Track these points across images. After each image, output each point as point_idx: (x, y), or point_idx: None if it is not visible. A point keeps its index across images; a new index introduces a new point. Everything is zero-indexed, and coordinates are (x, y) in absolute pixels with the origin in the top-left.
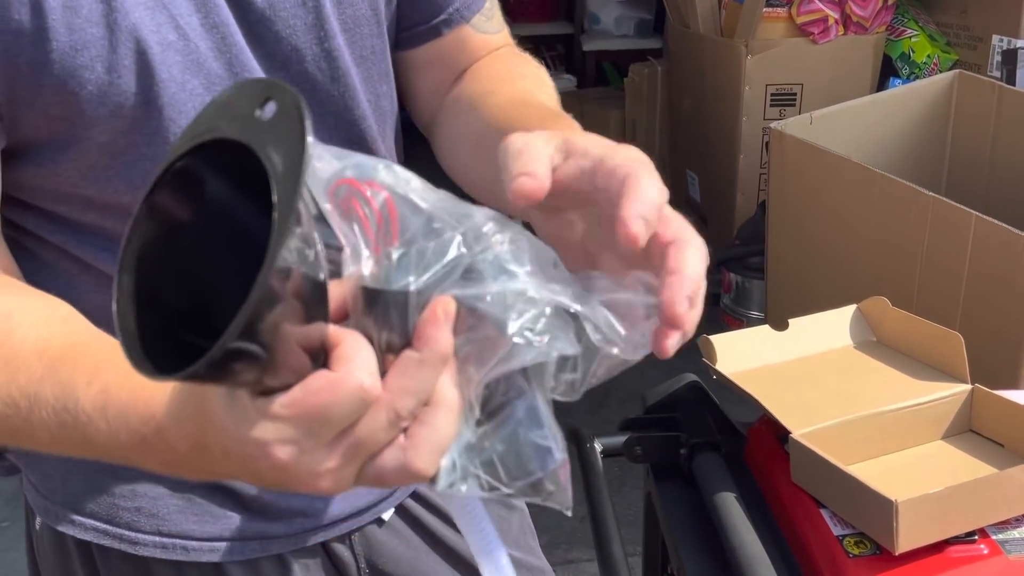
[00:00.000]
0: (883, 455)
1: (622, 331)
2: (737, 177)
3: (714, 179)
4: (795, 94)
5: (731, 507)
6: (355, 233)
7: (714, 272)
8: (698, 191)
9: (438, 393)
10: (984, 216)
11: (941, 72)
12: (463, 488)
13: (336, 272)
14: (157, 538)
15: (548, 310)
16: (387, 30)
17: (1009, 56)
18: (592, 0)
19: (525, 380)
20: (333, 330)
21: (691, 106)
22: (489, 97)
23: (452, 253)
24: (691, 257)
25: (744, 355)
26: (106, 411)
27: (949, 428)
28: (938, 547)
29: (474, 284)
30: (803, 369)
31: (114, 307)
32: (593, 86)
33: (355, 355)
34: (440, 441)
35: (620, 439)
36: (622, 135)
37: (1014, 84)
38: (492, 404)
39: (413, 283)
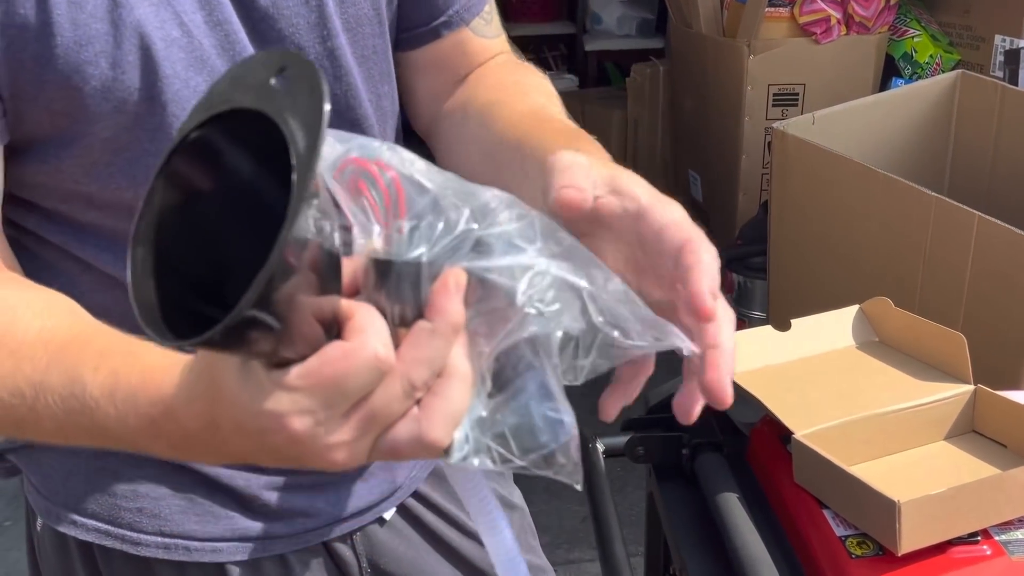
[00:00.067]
0: (886, 456)
1: (626, 314)
2: (739, 177)
3: (716, 179)
4: (797, 94)
5: (733, 507)
6: (363, 211)
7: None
8: (700, 191)
9: (451, 364)
10: (987, 216)
11: (943, 72)
12: (475, 461)
13: (346, 251)
14: (159, 538)
15: (556, 283)
16: (388, 31)
17: (1012, 56)
18: (594, 0)
19: (535, 355)
20: (346, 303)
21: (693, 106)
22: (500, 108)
23: (461, 226)
24: (728, 332)
25: (746, 355)
26: (114, 395)
27: (952, 429)
28: (941, 548)
29: (484, 257)
30: (805, 369)
31: (128, 278)
32: (595, 86)
33: (369, 326)
34: (454, 412)
35: (622, 439)
36: (624, 135)
37: (1017, 84)
38: (503, 378)
39: (425, 254)
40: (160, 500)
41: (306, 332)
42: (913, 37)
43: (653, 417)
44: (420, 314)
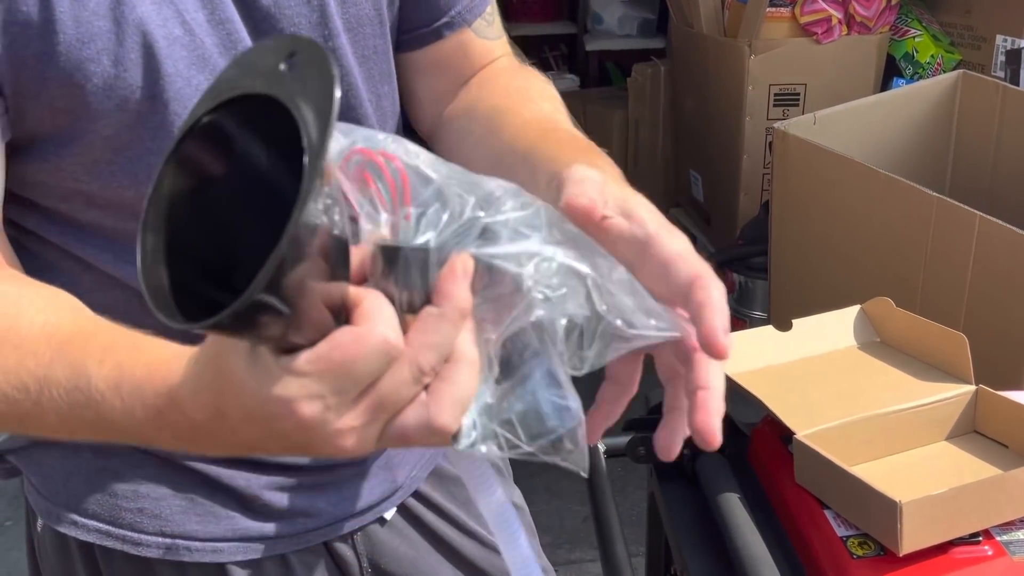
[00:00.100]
0: (887, 456)
1: (630, 303)
2: (740, 177)
3: (717, 179)
4: (798, 94)
5: (735, 508)
6: (369, 201)
7: (717, 272)
8: (701, 191)
9: (458, 350)
10: (988, 216)
11: (945, 72)
12: (483, 448)
13: (352, 240)
14: (160, 539)
15: (562, 270)
16: (389, 31)
17: (1013, 56)
18: (595, 0)
19: (541, 342)
20: (354, 290)
21: (694, 106)
22: (507, 115)
23: (468, 214)
24: (719, 373)
25: (748, 356)
26: (120, 387)
27: (953, 429)
28: (942, 548)
29: (490, 244)
30: (807, 370)
31: (138, 263)
32: (596, 86)
33: (377, 312)
34: (462, 396)
35: (623, 439)
36: (625, 135)
37: (1018, 84)
38: (510, 365)
39: (433, 239)
40: (161, 500)
41: (315, 318)
42: (914, 37)
43: (654, 417)
44: (427, 300)
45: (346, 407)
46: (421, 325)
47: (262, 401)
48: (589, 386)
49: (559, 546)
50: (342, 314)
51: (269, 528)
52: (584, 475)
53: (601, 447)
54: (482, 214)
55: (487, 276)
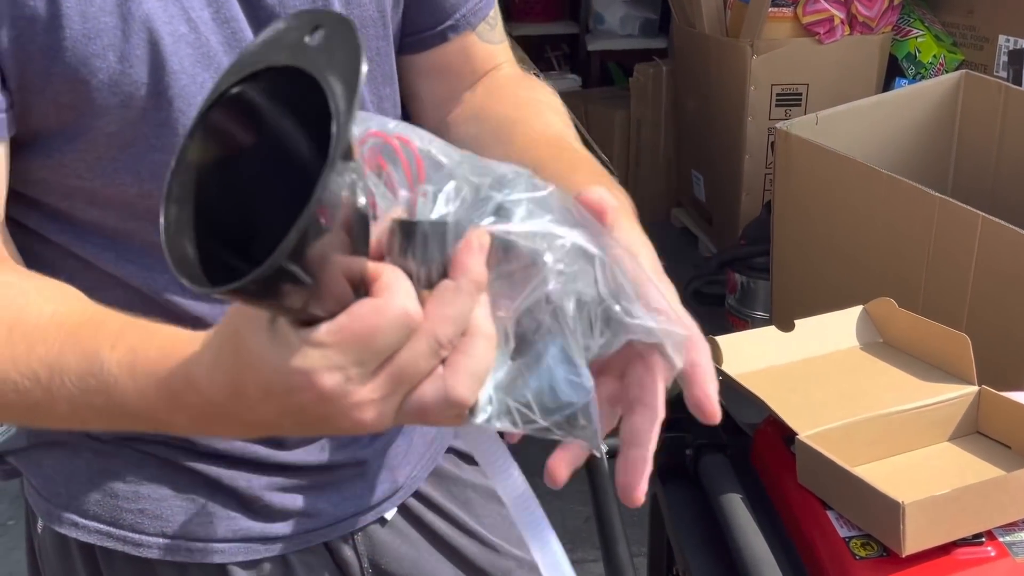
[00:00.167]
0: (890, 456)
1: (629, 291)
2: (742, 177)
3: (719, 179)
4: (800, 94)
5: (737, 508)
6: (384, 182)
7: (719, 273)
8: (703, 191)
9: (474, 324)
10: (990, 217)
11: (947, 72)
12: (499, 424)
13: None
14: (161, 539)
15: (574, 250)
16: (392, 34)
17: (1015, 56)
18: (597, 0)
19: (553, 321)
20: (373, 265)
21: (696, 106)
22: (519, 127)
23: (483, 193)
24: (706, 353)
25: (750, 356)
26: (134, 369)
27: (956, 430)
28: (945, 549)
29: (505, 222)
30: (809, 370)
31: (161, 234)
32: (598, 86)
33: (397, 284)
34: (479, 369)
35: None
36: (627, 135)
37: (1020, 84)
38: (524, 343)
39: (451, 215)
40: (162, 501)
41: (336, 290)
42: (917, 37)
43: None
44: (444, 276)
45: (366, 379)
46: (438, 298)
47: (282, 373)
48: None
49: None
50: (361, 289)
51: (270, 529)
52: (597, 453)
53: (603, 447)
54: (496, 194)
55: (501, 253)
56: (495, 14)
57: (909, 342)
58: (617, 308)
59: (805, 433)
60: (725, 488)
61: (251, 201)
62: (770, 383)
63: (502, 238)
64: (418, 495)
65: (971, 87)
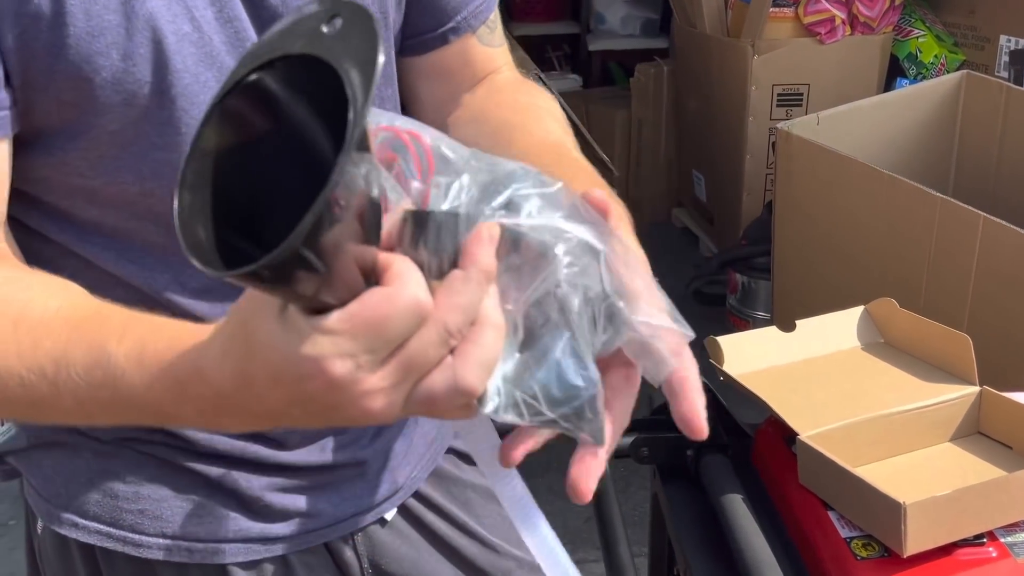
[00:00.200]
0: (891, 457)
1: (631, 288)
2: (743, 177)
3: (720, 179)
4: (802, 94)
5: (738, 509)
6: (395, 175)
7: (720, 273)
8: (704, 191)
9: (483, 314)
10: (992, 217)
11: (948, 72)
12: (507, 416)
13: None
14: (161, 540)
15: (581, 245)
16: (393, 35)
17: (1017, 56)
18: (598, 0)
19: (561, 314)
20: (384, 255)
21: (697, 106)
22: (519, 132)
23: (493, 186)
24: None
25: (751, 356)
26: (142, 360)
27: (957, 430)
28: (946, 550)
29: (514, 215)
30: (810, 370)
31: (175, 220)
32: (599, 86)
33: (408, 274)
34: (488, 359)
35: (627, 440)
36: (628, 135)
37: (1022, 85)
38: (531, 336)
39: (462, 207)
40: (162, 502)
41: (348, 278)
42: (918, 37)
43: (657, 418)
44: (454, 268)
45: (376, 367)
46: (448, 287)
47: (292, 361)
48: None
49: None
50: (372, 278)
51: (270, 529)
52: (602, 446)
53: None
54: (506, 188)
55: (510, 246)
56: (495, 17)
57: (910, 342)
58: (621, 304)
59: (806, 433)
60: (726, 488)
61: (265, 189)
62: (771, 383)
63: (512, 230)
64: (418, 495)
65: (972, 87)
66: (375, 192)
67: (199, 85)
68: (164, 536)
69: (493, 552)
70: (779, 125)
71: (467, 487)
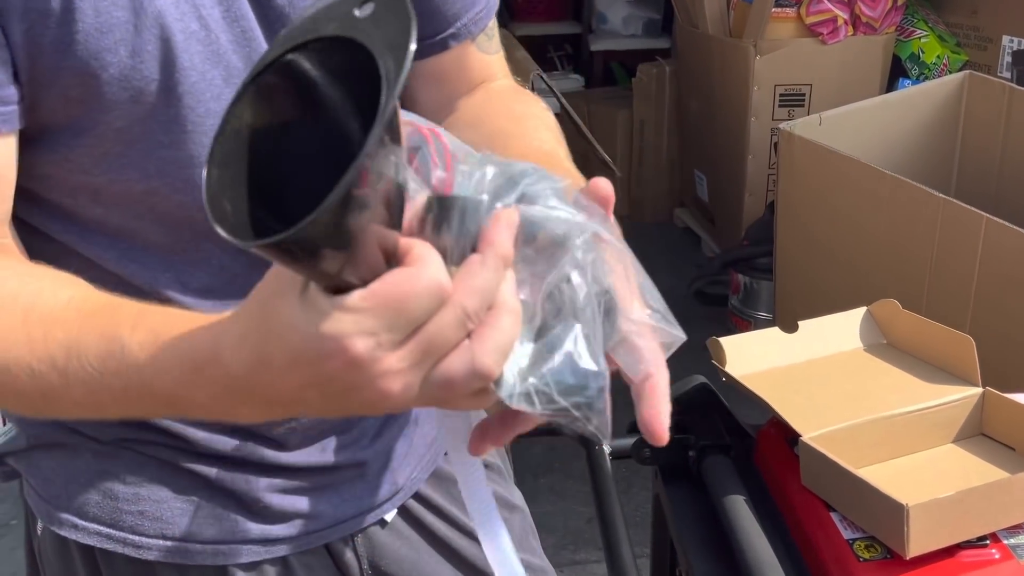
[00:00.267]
0: (893, 458)
1: (639, 281)
2: (745, 177)
3: (722, 179)
4: (804, 95)
5: (740, 510)
6: (415, 169)
7: (722, 273)
8: (706, 191)
9: (500, 298)
10: (994, 218)
11: (951, 73)
12: (522, 403)
13: None
14: (161, 541)
15: (593, 235)
16: None
17: (1019, 57)
18: (600, 0)
19: (573, 306)
20: (404, 240)
21: (699, 106)
22: (514, 140)
23: (508, 182)
24: (663, 374)
25: (753, 357)
26: (157, 344)
27: (960, 431)
28: (949, 551)
29: (530, 207)
30: (813, 371)
31: (203, 195)
32: (601, 86)
33: (429, 257)
34: (505, 342)
35: (629, 441)
36: (630, 135)
37: None
38: (544, 326)
39: (487, 193)
40: (162, 503)
41: (371, 259)
42: (920, 38)
43: None
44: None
45: (396, 346)
46: (465, 270)
47: (313, 339)
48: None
49: (563, 547)
50: (392, 263)
51: (270, 530)
52: (606, 441)
53: (606, 449)
54: (520, 183)
55: (526, 236)
56: (493, 25)
57: (913, 343)
58: (617, 299)
59: (809, 435)
60: (728, 489)
61: (292, 168)
62: (773, 384)
63: (529, 220)
64: (418, 497)
65: (975, 88)
66: (401, 179)
67: (205, 83)
68: (164, 537)
69: None
70: (781, 125)
71: None
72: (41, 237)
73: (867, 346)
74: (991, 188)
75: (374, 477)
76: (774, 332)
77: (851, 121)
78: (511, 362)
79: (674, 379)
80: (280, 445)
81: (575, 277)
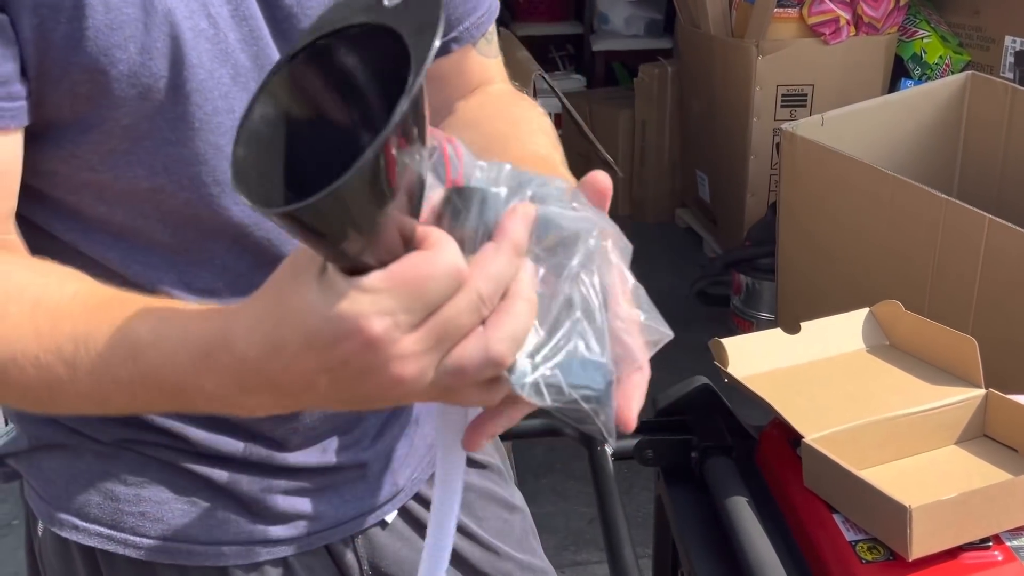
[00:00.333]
0: (896, 460)
1: (631, 281)
2: (747, 178)
3: (724, 180)
4: (806, 95)
5: (742, 511)
6: (432, 167)
7: (724, 274)
8: (708, 192)
9: (515, 286)
10: (997, 219)
11: (953, 73)
12: (530, 394)
13: None
14: (162, 543)
15: (602, 234)
16: None
17: (1022, 57)
18: (602, 0)
19: (583, 301)
20: (421, 228)
21: (701, 106)
22: (511, 143)
23: (520, 184)
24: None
25: (756, 358)
26: (165, 334)
27: (963, 433)
28: (952, 553)
29: (545, 206)
30: (815, 373)
31: (231, 173)
32: (603, 86)
33: (446, 242)
34: (518, 330)
35: (631, 442)
36: (632, 135)
37: None
38: (555, 322)
39: (506, 188)
40: (163, 504)
41: (390, 243)
42: (923, 38)
43: (662, 420)
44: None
45: (412, 328)
46: (480, 257)
47: (330, 320)
48: None
49: (565, 547)
50: (410, 247)
51: (271, 531)
52: (611, 437)
53: (608, 449)
54: (529, 184)
55: (540, 231)
56: (493, 30)
57: (915, 345)
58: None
59: (811, 436)
60: (730, 491)
61: (316, 154)
62: (775, 385)
63: (543, 216)
64: (419, 498)
65: (977, 88)
66: (422, 172)
67: (213, 81)
68: (165, 538)
69: (493, 554)
70: (783, 126)
71: (467, 489)
72: (44, 235)
73: (869, 347)
74: (993, 189)
75: (375, 478)
76: (776, 333)
77: (853, 121)
78: (523, 353)
79: (676, 380)
80: (281, 446)
81: (586, 274)
